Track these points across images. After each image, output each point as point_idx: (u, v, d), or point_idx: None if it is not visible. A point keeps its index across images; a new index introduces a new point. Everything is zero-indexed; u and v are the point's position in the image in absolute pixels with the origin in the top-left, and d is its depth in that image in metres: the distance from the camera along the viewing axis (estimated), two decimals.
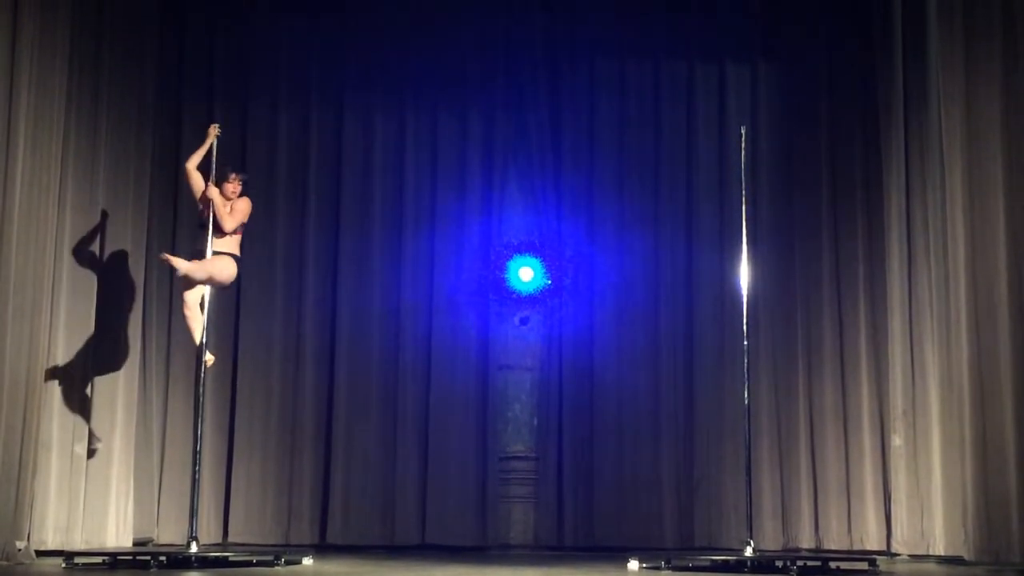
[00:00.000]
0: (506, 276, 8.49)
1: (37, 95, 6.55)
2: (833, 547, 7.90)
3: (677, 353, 8.31)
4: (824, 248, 8.27)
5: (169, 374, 8.16)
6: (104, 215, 7.42)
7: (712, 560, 6.97)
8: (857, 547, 7.82)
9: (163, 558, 6.41)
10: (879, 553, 7.60)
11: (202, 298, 6.99)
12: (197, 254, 6.88)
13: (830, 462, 8.04)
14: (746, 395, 6.97)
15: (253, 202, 6.90)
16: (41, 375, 6.60)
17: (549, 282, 8.48)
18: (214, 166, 6.95)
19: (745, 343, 7.03)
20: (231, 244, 6.93)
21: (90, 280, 7.31)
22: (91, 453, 7.25)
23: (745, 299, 7.06)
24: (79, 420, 7.16)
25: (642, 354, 8.30)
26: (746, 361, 7.02)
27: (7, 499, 6.22)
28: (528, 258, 8.51)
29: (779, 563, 6.61)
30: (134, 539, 7.61)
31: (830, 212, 8.32)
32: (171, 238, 8.15)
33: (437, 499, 8.13)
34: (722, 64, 8.59)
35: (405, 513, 8.11)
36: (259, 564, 6.61)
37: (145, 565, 6.30)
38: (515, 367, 8.52)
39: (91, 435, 7.25)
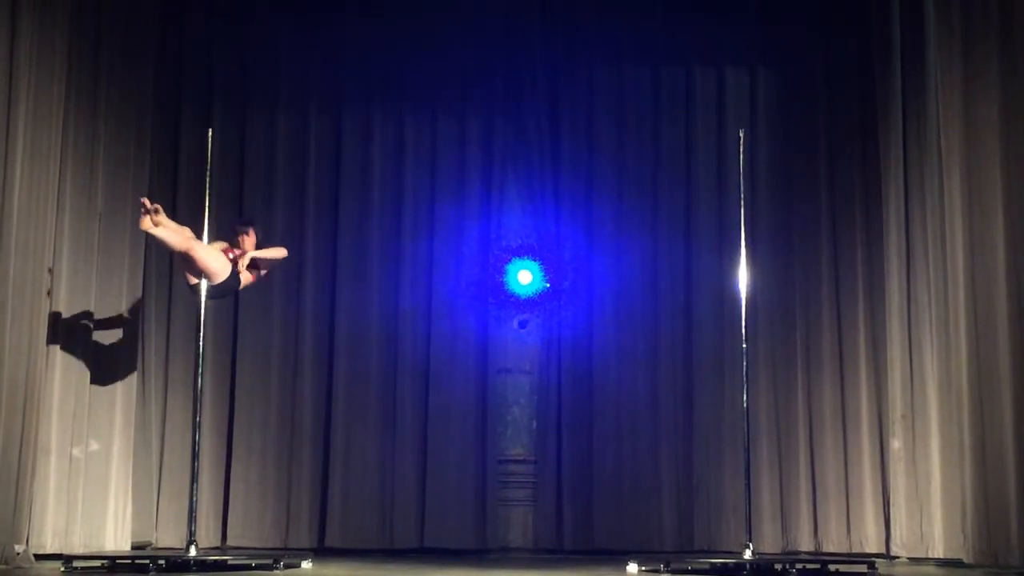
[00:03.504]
0: (505, 280, 8.49)
1: (36, 97, 6.53)
2: (832, 550, 7.89)
3: (676, 356, 8.30)
4: (823, 251, 8.27)
5: (168, 377, 8.15)
6: (103, 217, 7.41)
7: (711, 563, 6.95)
8: (856, 550, 7.82)
9: (162, 561, 6.40)
10: (878, 556, 7.59)
11: (200, 299, 6.98)
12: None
13: (829, 465, 8.04)
14: (745, 398, 6.97)
15: (251, 204, 6.78)
16: (40, 379, 6.58)
17: (548, 285, 8.47)
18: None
19: (744, 346, 7.02)
20: None
21: (88, 283, 7.29)
22: (90, 457, 7.23)
23: (744, 302, 7.06)
24: (78, 424, 7.13)
25: (641, 357, 8.28)
26: (745, 364, 7.02)
27: (6, 503, 6.20)
28: (527, 262, 8.50)
29: (778, 566, 6.60)
30: (133, 543, 7.58)
31: (829, 215, 8.31)
32: None
33: (436, 502, 8.12)
34: (720, 68, 8.58)
35: (404, 516, 8.10)
36: (258, 567, 6.59)
37: (144, 568, 6.29)
38: (514, 370, 8.51)
39: (89, 439, 7.23)
